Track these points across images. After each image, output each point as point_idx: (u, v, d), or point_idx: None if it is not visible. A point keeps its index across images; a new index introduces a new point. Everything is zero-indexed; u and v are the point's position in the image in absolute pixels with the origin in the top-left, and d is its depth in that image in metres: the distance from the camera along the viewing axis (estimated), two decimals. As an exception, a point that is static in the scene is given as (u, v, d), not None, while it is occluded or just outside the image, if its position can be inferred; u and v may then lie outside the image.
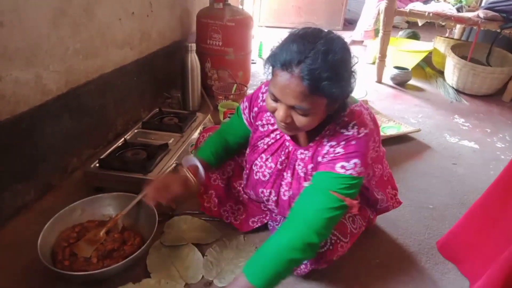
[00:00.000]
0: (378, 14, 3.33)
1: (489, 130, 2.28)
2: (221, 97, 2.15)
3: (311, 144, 0.97)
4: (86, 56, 1.49)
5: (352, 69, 0.85)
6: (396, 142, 1.98)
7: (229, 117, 1.94)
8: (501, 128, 2.32)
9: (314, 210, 0.85)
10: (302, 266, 1.01)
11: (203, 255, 1.14)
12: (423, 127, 2.15)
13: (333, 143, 0.90)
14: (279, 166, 1.04)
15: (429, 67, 3.36)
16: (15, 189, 1.24)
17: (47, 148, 1.34)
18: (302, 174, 1.00)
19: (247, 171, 1.14)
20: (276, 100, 0.85)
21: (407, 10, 2.77)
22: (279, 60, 0.80)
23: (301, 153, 1.00)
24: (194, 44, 2.01)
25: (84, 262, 1.02)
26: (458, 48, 3.00)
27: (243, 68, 2.37)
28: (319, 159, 0.93)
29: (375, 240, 1.28)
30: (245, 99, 1.15)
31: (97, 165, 1.37)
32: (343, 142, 0.89)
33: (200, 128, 1.71)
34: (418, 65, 3.23)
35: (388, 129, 2.06)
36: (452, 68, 2.88)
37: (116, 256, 1.05)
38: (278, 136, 1.05)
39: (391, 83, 2.96)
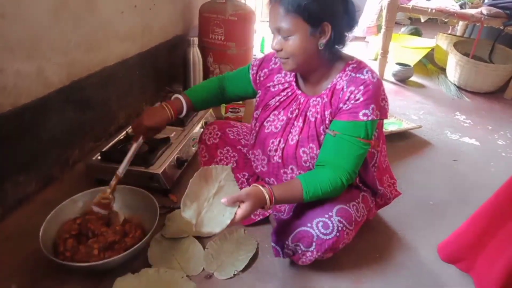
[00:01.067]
0: (381, 10, 3.32)
1: (490, 127, 2.28)
2: (222, 92, 2.14)
3: (323, 92, 1.05)
4: (88, 49, 1.48)
5: (344, 5, 0.98)
6: (397, 139, 1.98)
7: (231, 111, 1.94)
8: (502, 125, 2.32)
9: (347, 157, 0.98)
10: (308, 254, 1.01)
11: (204, 247, 1.15)
12: (424, 124, 2.15)
13: (352, 88, 0.98)
14: (289, 115, 1.10)
15: (431, 64, 3.36)
16: (17, 180, 1.25)
17: (49, 140, 1.34)
18: (312, 119, 1.06)
19: (257, 129, 1.17)
20: (272, 34, 0.99)
21: (410, 6, 2.76)
22: None
23: (314, 101, 1.06)
24: (196, 38, 2.00)
25: (85, 254, 1.02)
26: (461, 45, 2.99)
27: (245, 62, 2.34)
28: (341, 105, 1.00)
29: (376, 235, 1.29)
30: (258, 58, 1.23)
31: (99, 157, 1.37)
32: (361, 87, 0.97)
33: (201, 122, 1.71)
34: (420, 61, 3.22)
35: (389, 125, 2.06)
36: (454, 65, 2.88)
37: (117, 248, 1.05)
38: (289, 93, 1.12)
39: (393, 79, 2.96)
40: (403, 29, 3.99)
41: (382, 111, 1.01)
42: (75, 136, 1.48)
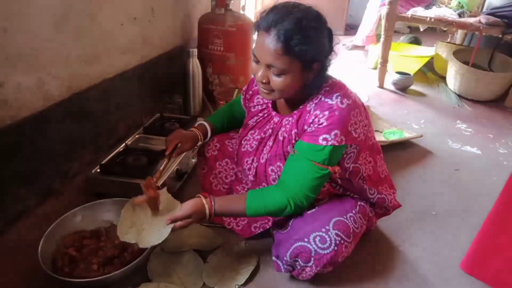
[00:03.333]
0: (380, 19, 3.34)
1: (491, 135, 2.28)
2: (222, 102, 2.15)
3: (295, 112, 1.05)
4: (88, 61, 1.49)
5: (327, 41, 0.96)
6: (398, 148, 1.97)
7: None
8: (503, 134, 2.31)
9: (301, 178, 0.97)
10: (308, 269, 1.00)
11: (204, 261, 1.13)
12: (425, 133, 2.15)
13: (318, 112, 0.97)
14: (263, 135, 1.13)
15: (431, 72, 3.36)
16: (16, 193, 1.24)
17: (48, 153, 1.34)
18: (281, 138, 1.07)
19: (237, 147, 1.21)
20: (257, 61, 0.96)
21: (409, 15, 2.78)
22: (261, 24, 0.93)
23: (286, 121, 1.08)
24: (196, 50, 2.01)
25: (84, 269, 1.02)
26: (460, 54, 2.99)
27: (244, 73, 2.37)
28: (305, 127, 0.99)
29: (378, 246, 1.27)
30: (247, 85, 1.27)
31: (98, 170, 1.37)
32: (326, 112, 0.96)
33: (201, 133, 1.70)
34: (420, 70, 3.23)
35: (390, 134, 2.05)
36: (454, 73, 2.88)
37: (117, 263, 1.04)
38: (266, 114, 1.16)
39: (393, 88, 2.96)
40: (402, 38, 4.01)
41: (349, 137, 0.97)
42: (75, 148, 1.48)
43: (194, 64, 2.00)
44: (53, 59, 1.31)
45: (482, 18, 2.63)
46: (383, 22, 2.81)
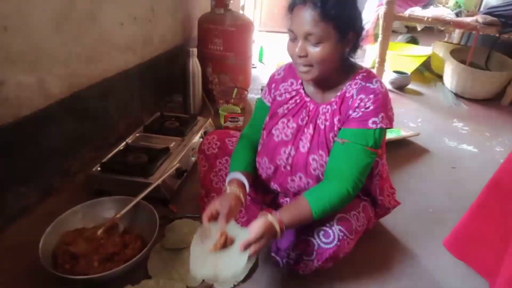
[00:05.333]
0: (377, 19, 3.35)
1: (488, 134, 2.29)
2: (222, 101, 2.16)
3: (333, 99, 1.04)
4: (89, 60, 1.50)
5: (361, 13, 0.98)
6: (395, 146, 1.98)
7: (230, 121, 1.95)
8: (500, 132, 2.33)
9: (355, 165, 0.98)
10: (309, 263, 1.01)
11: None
12: (422, 131, 2.16)
13: (362, 95, 0.99)
14: (300, 123, 1.09)
15: (428, 72, 3.38)
16: (17, 191, 1.25)
17: (49, 151, 1.35)
18: (322, 126, 1.05)
19: (264, 137, 1.15)
20: (294, 39, 0.96)
21: (406, 15, 2.79)
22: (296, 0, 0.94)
23: (324, 108, 1.06)
24: (196, 49, 2.02)
25: (85, 266, 1.02)
26: (457, 53, 3.01)
27: (243, 72, 2.38)
28: (351, 112, 1.00)
29: (376, 244, 1.29)
30: (264, 89, 1.22)
31: (99, 168, 1.38)
32: (371, 96, 0.98)
33: (201, 132, 1.72)
34: (417, 69, 3.25)
35: (387, 133, 2.06)
36: (451, 72, 2.90)
37: (117, 260, 1.05)
38: (298, 100, 1.11)
39: (390, 87, 2.97)
40: (400, 37, 4.02)
41: (390, 120, 1.02)
42: (76, 146, 1.49)
43: (194, 64, 2.01)
44: (54, 57, 1.32)
45: (479, 18, 2.64)
46: (380, 21, 2.82)
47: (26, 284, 1.04)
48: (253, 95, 2.49)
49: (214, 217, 0.96)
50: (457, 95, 2.90)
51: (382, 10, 2.76)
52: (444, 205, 1.55)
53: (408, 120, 2.38)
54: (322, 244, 0.98)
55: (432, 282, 1.16)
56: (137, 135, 1.64)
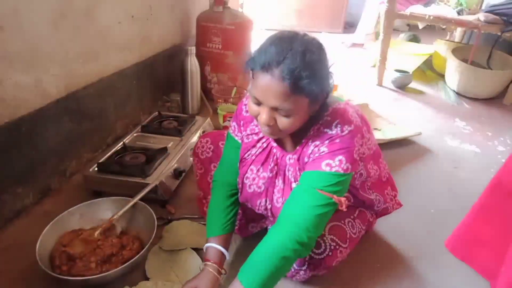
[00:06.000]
0: (379, 17, 3.34)
1: (490, 133, 2.28)
2: (220, 100, 2.15)
3: (297, 148, 0.96)
4: (86, 59, 1.49)
5: (329, 69, 0.86)
6: (396, 146, 1.97)
7: (228, 120, 1.94)
8: (502, 131, 2.31)
9: (302, 209, 0.86)
10: (302, 273, 1.00)
11: (202, 259, 1.13)
12: (424, 131, 2.14)
13: (317, 142, 0.90)
14: (269, 174, 1.01)
15: (430, 70, 3.36)
16: (14, 192, 1.24)
17: (46, 152, 1.34)
18: (292, 179, 0.98)
19: (240, 185, 1.07)
20: (258, 103, 0.86)
21: (408, 13, 2.78)
22: (258, 62, 0.81)
23: (290, 159, 0.98)
24: (194, 48, 2.01)
25: (82, 267, 1.02)
26: (459, 51, 2.99)
27: (242, 71, 2.36)
28: (306, 159, 0.93)
29: (376, 245, 1.28)
30: (231, 122, 1.12)
31: (96, 169, 1.37)
32: (326, 141, 0.89)
33: (199, 131, 1.70)
34: (418, 68, 3.22)
35: (388, 132, 2.05)
36: (453, 71, 2.88)
37: (115, 261, 1.05)
38: (264, 145, 1.03)
39: (391, 86, 2.96)
40: (401, 35, 4.00)
41: (355, 164, 0.90)
42: (73, 147, 1.48)
43: (193, 62, 2.00)
44: (51, 57, 1.31)
45: (481, 16, 2.62)
46: (382, 20, 2.80)
47: (23, 285, 1.04)
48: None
49: None
50: (459, 94, 2.88)
51: (383, 8, 2.75)
52: (446, 205, 1.53)
53: (409, 119, 2.37)
54: (313, 255, 0.96)
55: (433, 282, 1.15)
56: (135, 135, 1.63)
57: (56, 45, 1.32)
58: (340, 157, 0.87)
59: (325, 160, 0.87)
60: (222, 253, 1.01)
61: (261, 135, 1.03)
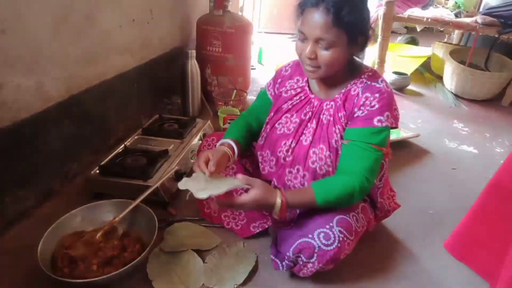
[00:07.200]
0: (377, 19, 3.35)
1: (488, 134, 2.29)
2: (221, 103, 2.16)
3: (337, 96, 1.07)
4: (87, 63, 1.50)
5: (369, 14, 1.00)
6: (395, 148, 1.98)
7: (229, 122, 1.95)
8: (500, 132, 2.32)
9: (362, 162, 1.00)
10: (309, 265, 1.01)
11: (204, 261, 1.14)
12: (422, 132, 2.16)
13: (368, 94, 1.01)
14: (303, 117, 1.12)
15: (428, 72, 3.38)
16: (16, 194, 1.25)
17: (48, 154, 1.35)
18: (325, 121, 1.07)
19: (267, 131, 1.17)
20: (303, 39, 0.99)
21: (406, 16, 2.79)
22: (310, 1, 0.95)
23: (327, 104, 1.08)
24: (194, 51, 2.02)
25: (84, 270, 1.02)
26: (457, 53, 3.01)
27: (243, 74, 2.38)
28: (356, 109, 1.02)
29: (377, 245, 1.28)
30: (269, 81, 1.26)
31: (98, 171, 1.37)
32: (377, 94, 1.00)
33: (200, 134, 1.71)
34: (417, 70, 3.24)
35: (387, 134, 2.06)
36: (451, 73, 2.90)
37: (116, 263, 1.05)
38: (303, 97, 1.14)
39: (390, 88, 2.97)
40: (399, 38, 4.02)
41: (396, 120, 1.04)
42: (74, 149, 1.49)
43: (193, 65, 2.01)
44: (52, 60, 1.31)
45: (479, 18, 2.64)
46: (380, 22, 2.82)
47: (25, 287, 1.04)
48: (252, 97, 2.49)
49: (206, 164, 1.03)
50: (457, 96, 2.90)
51: (381, 11, 2.76)
52: (445, 206, 1.54)
53: (408, 121, 2.38)
54: (322, 246, 0.98)
55: (433, 284, 1.15)
56: (136, 137, 1.63)
57: (57, 49, 1.33)
58: (387, 112, 1.00)
59: (377, 116, 1.00)
60: (234, 148, 1.14)
61: (299, 90, 1.15)
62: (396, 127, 1.05)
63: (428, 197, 1.60)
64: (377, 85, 1.02)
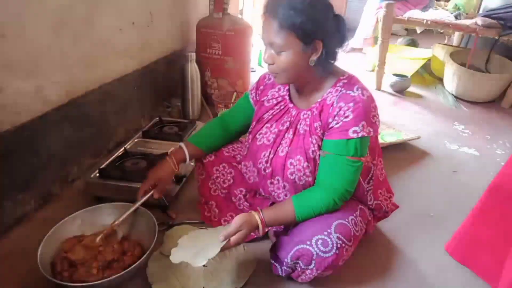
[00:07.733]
0: (377, 22, 3.36)
1: (488, 136, 2.29)
2: (220, 106, 2.16)
3: (314, 105, 1.06)
4: (87, 66, 1.50)
5: (337, 26, 0.99)
6: (396, 150, 1.98)
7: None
8: (500, 134, 2.32)
9: (338, 175, 1.00)
10: (308, 272, 1.01)
11: (204, 265, 1.13)
12: (422, 134, 2.15)
13: (342, 104, 0.99)
14: (281, 127, 1.12)
15: (428, 74, 3.38)
16: (16, 198, 1.25)
17: (48, 158, 1.35)
18: (302, 131, 1.07)
19: (249, 141, 1.19)
20: (264, 46, 1.01)
21: (406, 18, 2.80)
22: (265, 7, 0.98)
23: (304, 114, 1.08)
24: (194, 53, 2.03)
25: (84, 273, 1.02)
26: (457, 55, 3.01)
27: (242, 76, 2.38)
28: (330, 120, 1.01)
29: (376, 248, 1.28)
30: (253, 84, 1.26)
31: (97, 174, 1.37)
32: (351, 104, 0.98)
33: (200, 137, 1.71)
34: (417, 72, 3.24)
35: (387, 136, 2.06)
36: (451, 75, 2.90)
37: (116, 267, 1.04)
38: (282, 106, 1.15)
39: (390, 90, 2.97)
40: (399, 40, 4.03)
41: (373, 128, 1.01)
42: (74, 153, 1.49)
43: (193, 68, 2.01)
44: (52, 64, 1.32)
45: (479, 20, 2.64)
46: (380, 24, 2.82)
47: (25, 291, 1.04)
48: (252, 99, 2.49)
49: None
50: (457, 98, 2.90)
51: (381, 13, 2.77)
52: (445, 209, 1.54)
53: (408, 123, 2.38)
54: (320, 253, 0.97)
55: (433, 286, 1.15)
56: (136, 140, 1.63)
57: (57, 52, 1.33)
58: (363, 122, 0.97)
59: (352, 127, 0.97)
60: (184, 155, 1.22)
61: (280, 99, 1.16)
62: (375, 135, 1.03)
63: (428, 199, 1.60)
64: (352, 94, 0.99)
